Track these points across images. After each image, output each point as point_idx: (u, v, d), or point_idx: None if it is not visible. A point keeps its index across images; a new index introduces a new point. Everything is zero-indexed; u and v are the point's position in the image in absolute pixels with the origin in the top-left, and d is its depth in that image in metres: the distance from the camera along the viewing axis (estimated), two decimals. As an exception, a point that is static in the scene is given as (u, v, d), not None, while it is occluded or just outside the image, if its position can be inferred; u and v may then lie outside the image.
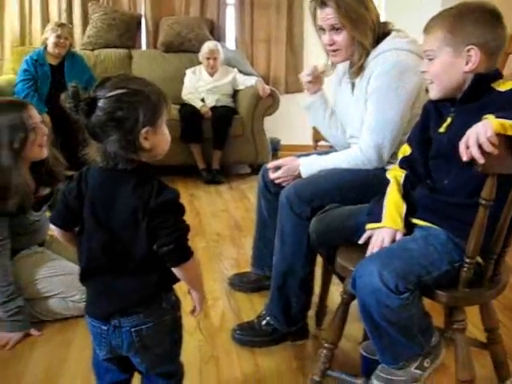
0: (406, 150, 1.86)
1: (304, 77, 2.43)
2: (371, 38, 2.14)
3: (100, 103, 1.35)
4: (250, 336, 2.28)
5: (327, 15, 2.12)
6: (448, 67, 1.62)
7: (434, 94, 1.69)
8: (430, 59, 1.66)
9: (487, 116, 1.42)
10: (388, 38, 2.16)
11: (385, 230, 1.72)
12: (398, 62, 2.09)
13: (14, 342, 2.25)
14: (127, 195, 1.40)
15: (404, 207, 1.74)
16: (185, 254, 1.43)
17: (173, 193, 1.41)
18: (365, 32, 2.13)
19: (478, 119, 1.43)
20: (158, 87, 1.45)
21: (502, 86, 1.59)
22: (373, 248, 1.71)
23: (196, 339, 2.31)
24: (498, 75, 1.62)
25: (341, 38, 2.14)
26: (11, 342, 2.24)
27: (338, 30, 2.13)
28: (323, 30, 2.17)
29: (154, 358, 1.54)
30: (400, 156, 1.88)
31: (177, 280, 1.51)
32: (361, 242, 1.77)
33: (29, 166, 2.28)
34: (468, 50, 1.58)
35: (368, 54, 2.16)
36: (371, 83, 2.15)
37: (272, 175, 2.35)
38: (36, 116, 2.27)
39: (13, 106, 2.24)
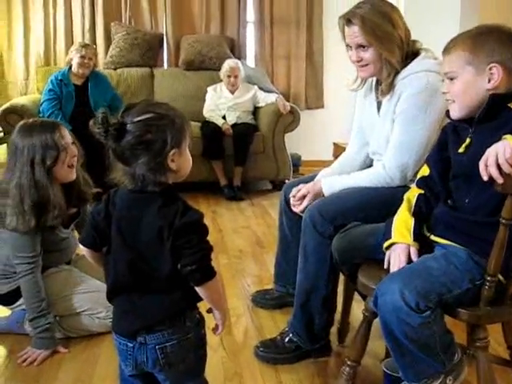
0: (425, 170, 1.87)
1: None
2: (399, 56, 2.14)
3: (129, 127, 1.39)
4: (272, 353, 2.29)
5: (354, 33, 2.13)
6: (470, 86, 1.64)
7: (456, 113, 1.70)
8: (451, 79, 1.68)
9: (506, 136, 1.43)
10: (418, 58, 2.16)
11: (398, 246, 1.75)
12: (428, 85, 2.10)
13: (42, 358, 2.28)
14: (153, 215, 1.44)
15: (412, 223, 1.77)
16: (208, 273, 1.46)
17: (197, 214, 1.45)
18: (392, 49, 2.13)
19: (497, 139, 1.45)
20: (181, 112, 1.49)
21: None
22: (393, 267, 1.72)
23: (219, 356, 2.33)
24: None
25: (368, 55, 2.15)
26: (39, 358, 2.28)
27: (364, 47, 2.14)
28: (350, 46, 2.19)
29: (178, 375, 1.56)
30: (419, 176, 1.90)
31: (201, 298, 1.54)
32: (385, 266, 1.78)
33: (60, 186, 2.32)
34: (490, 68, 1.60)
35: (397, 72, 2.16)
36: (400, 104, 2.15)
37: (300, 207, 2.31)
38: (67, 137, 2.32)
39: (45, 126, 2.29)
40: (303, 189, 2.32)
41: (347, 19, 2.14)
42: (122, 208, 1.49)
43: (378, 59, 2.15)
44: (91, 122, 1.39)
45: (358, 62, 2.18)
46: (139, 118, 1.40)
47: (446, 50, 1.69)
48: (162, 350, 1.49)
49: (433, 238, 1.76)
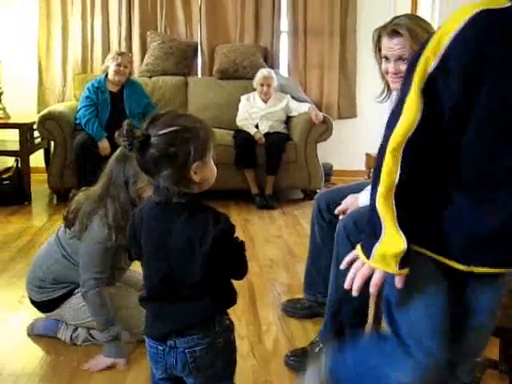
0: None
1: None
2: None
3: (153, 140, 1.41)
4: (303, 362, 2.30)
5: (396, 45, 2.14)
6: None
7: None
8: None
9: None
10: None
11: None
12: None
13: (110, 364, 2.31)
14: (182, 226, 1.47)
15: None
16: (247, 268, 1.55)
17: (227, 221, 1.47)
18: None
19: None
20: (206, 123, 1.51)
21: None
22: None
23: (249, 364, 2.35)
24: None
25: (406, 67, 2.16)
26: (105, 364, 2.31)
27: (404, 59, 2.15)
28: (387, 58, 2.19)
29: (207, 380, 1.58)
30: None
31: (231, 304, 1.58)
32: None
33: None
34: None
35: None
36: None
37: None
38: None
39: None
40: (343, 204, 2.35)
41: (392, 30, 2.14)
42: (150, 221, 1.53)
43: None
44: (116, 134, 1.41)
45: (395, 74, 2.18)
46: (163, 132, 1.41)
47: None
48: (192, 353, 1.52)
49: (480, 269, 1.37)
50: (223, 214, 1.49)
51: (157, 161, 1.41)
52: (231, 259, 1.50)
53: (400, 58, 2.15)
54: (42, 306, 2.51)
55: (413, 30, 2.11)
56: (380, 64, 2.26)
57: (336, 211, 2.38)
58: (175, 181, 1.43)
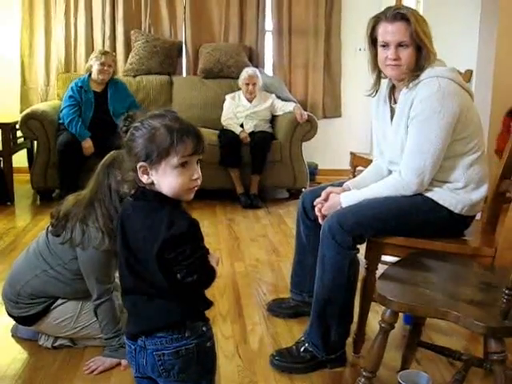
0: None
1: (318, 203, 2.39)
2: (435, 53, 2.19)
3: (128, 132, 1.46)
4: (288, 362, 2.29)
5: (399, 30, 2.14)
6: None
7: None
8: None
9: None
10: (430, 66, 2.18)
11: None
12: (440, 88, 2.12)
13: (109, 365, 2.30)
14: (139, 224, 1.47)
15: None
16: (211, 276, 1.50)
17: (184, 225, 1.42)
18: (432, 46, 2.18)
19: None
20: (185, 128, 1.43)
21: None
22: None
23: (235, 364, 2.34)
24: None
25: (406, 53, 2.17)
26: (105, 365, 2.29)
27: (404, 45, 2.16)
28: (385, 46, 2.19)
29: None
30: None
31: (206, 308, 1.55)
32: None
33: None
34: None
35: (417, 75, 2.18)
36: (414, 108, 2.17)
37: (317, 209, 2.36)
38: None
39: None
40: (324, 194, 2.36)
41: (395, 14, 2.15)
42: (123, 216, 1.54)
43: (412, 60, 2.18)
44: (121, 121, 1.46)
45: (395, 60, 2.18)
46: (133, 125, 1.45)
47: None
48: (159, 356, 1.50)
49: None
50: (189, 218, 1.44)
51: (125, 150, 1.46)
52: (188, 267, 1.43)
53: (400, 44, 2.16)
54: (19, 320, 2.44)
55: (415, 14, 2.15)
56: (373, 54, 2.26)
57: (315, 202, 2.37)
58: (130, 176, 1.46)
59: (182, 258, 1.42)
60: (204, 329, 1.54)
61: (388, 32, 2.17)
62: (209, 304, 1.57)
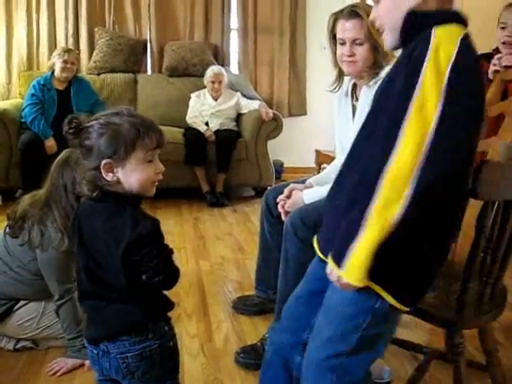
0: None
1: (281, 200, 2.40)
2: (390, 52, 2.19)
3: (82, 132, 1.43)
4: (253, 359, 2.30)
5: (354, 27, 2.17)
6: (394, 4, 1.39)
7: (387, 42, 1.46)
8: (376, 2, 1.45)
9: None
10: (389, 64, 2.20)
11: None
12: None
13: (72, 366, 2.27)
14: (100, 227, 1.45)
15: None
16: (175, 277, 1.49)
17: (148, 224, 1.42)
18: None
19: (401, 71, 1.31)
20: (142, 122, 1.44)
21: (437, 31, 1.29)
22: None
23: (199, 362, 2.33)
24: (440, 15, 1.34)
25: (360, 50, 2.19)
26: (67, 366, 2.26)
27: (359, 43, 2.18)
28: (342, 42, 2.22)
29: None
30: None
31: (168, 310, 1.55)
32: None
33: None
34: None
35: (376, 73, 2.21)
36: None
37: (280, 206, 2.37)
38: None
39: None
40: (286, 191, 2.37)
41: (350, 12, 2.18)
42: (81, 217, 1.52)
43: (368, 57, 2.20)
44: (65, 124, 1.42)
45: (350, 56, 2.21)
46: (88, 124, 1.42)
47: None
48: (123, 359, 1.49)
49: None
50: (151, 218, 1.44)
51: (80, 152, 1.43)
52: (154, 267, 1.42)
53: (355, 41, 2.18)
54: None
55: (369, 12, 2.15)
56: (334, 51, 2.28)
57: (278, 199, 2.39)
58: (92, 174, 1.42)
59: (148, 258, 1.41)
60: (166, 328, 1.54)
61: (344, 29, 2.20)
62: (171, 305, 1.56)
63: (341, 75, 2.36)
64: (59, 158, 2.18)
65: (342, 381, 1.39)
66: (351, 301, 1.36)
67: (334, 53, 2.30)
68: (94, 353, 1.53)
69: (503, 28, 2.78)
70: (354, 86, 2.37)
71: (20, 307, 2.36)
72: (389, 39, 1.43)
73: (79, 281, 1.54)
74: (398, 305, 1.35)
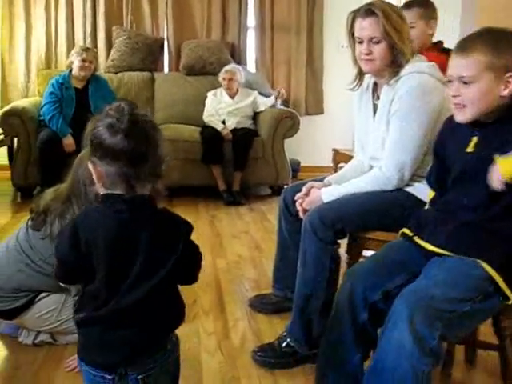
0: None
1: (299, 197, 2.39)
2: (409, 48, 2.21)
3: None
4: (270, 357, 2.30)
5: (371, 25, 2.17)
6: (488, 92, 1.63)
7: (465, 117, 1.69)
8: (465, 83, 1.65)
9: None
10: (411, 61, 2.21)
11: None
12: (420, 84, 2.15)
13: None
14: (149, 235, 1.41)
15: None
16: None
17: (179, 216, 1.45)
18: (405, 42, 2.19)
19: (503, 140, 1.61)
20: (117, 125, 1.37)
21: None
22: None
23: (217, 360, 2.34)
24: None
25: (378, 48, 2.19)
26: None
27: (376, 41, 2.18)
28: (360, 41, 2.22)
29: None
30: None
31: (179, 322, 1.49)
32: None
33: None
34: (509, 76, 1.61)
35: (397, 71, 2.20)
36: (394, 104, 2.19)
37: (298, 203, 2.37)
38: None
39: None
40: (304, 189, 2.36)
41: (368, 9, 2.17)
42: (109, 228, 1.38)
43: (386, 56, 2.19)
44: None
45: (367, 54, 2.20)
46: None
47: (464, 52, 1.65)
48: (144, 379, 1.40)
49: (430, 247, 1.77)
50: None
51: None
52: (199, 260, 1.47)
53: (372, 39, 2.18)
54: (0, 313, 2.40)
55: (386, 10, 2.15)
56: (353, 49, 2.28)
57: (296, 197, 2.38)
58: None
59: (194, 250, 1.45)
60: (174, 338, 1.50)
61: (361, 27, 2.20)
62: (184, 313, 1.51)
63: (360, 73, 2.36)
64: (80, 154, 2.20)
65: (445, 333, 1.55)
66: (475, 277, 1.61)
67: (354, 51, 2.29)
68: (106, 378, 1.39)
69: None
70: (375, 85, 2.36)
71: (41, 298, 2.37)
72: (469, 115, 1.69)
73: (93, 299, 1.40)
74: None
